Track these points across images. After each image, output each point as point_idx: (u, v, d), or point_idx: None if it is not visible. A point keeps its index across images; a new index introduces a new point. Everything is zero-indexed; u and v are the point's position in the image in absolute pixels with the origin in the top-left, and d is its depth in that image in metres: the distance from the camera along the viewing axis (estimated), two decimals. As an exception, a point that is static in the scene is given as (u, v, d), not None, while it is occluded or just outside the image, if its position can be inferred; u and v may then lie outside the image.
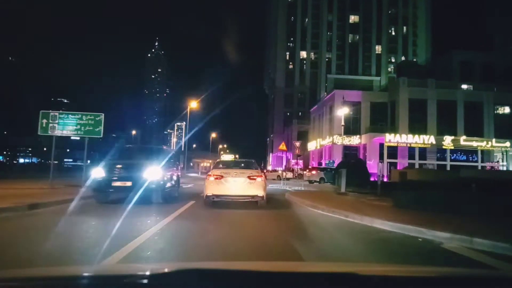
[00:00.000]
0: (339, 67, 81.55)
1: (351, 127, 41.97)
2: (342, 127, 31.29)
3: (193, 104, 36.89)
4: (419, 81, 39.29)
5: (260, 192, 9.23)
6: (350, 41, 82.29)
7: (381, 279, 1.56)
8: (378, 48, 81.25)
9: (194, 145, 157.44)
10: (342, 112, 31.04)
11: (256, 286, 1.40)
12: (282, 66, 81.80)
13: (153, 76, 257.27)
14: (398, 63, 61.69)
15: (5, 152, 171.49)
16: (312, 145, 50.97)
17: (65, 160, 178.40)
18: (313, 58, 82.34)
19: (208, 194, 9.25)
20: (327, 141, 43.51)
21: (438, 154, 38.16)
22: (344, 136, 41.18)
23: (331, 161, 33.66)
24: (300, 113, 77.94)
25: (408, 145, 36.14)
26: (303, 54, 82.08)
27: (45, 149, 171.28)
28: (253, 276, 1.50)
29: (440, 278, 1.67)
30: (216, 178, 9.27)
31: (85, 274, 1.58)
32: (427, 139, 35.83)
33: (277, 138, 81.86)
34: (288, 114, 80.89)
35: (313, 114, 52.50)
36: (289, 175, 38.44)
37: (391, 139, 35.77)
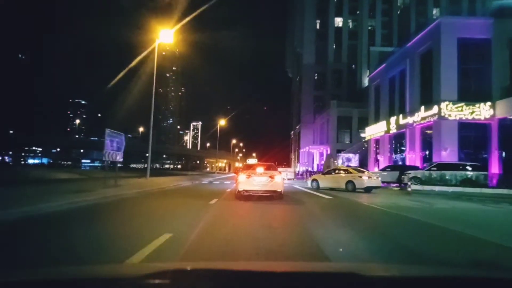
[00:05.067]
0: (385, 38, 60.73)
1: (472, 87, 21.33)
2: None
3: (166, 37, 17.17)
4: None
5: (279, 188, 10.69)
6: (399, 4, 61.43)
7: (381, 279, 1.51)
8: (436, 12, 59.78)
9: (208, 144, 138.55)
10: None
11: (256, 286, 1.35)
12: (311, 37, 61.30)
13: (167, 75, 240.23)
14: (494, 4, 39.79)
15: (10, 152, 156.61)
16: (374, 130, 30.42)
17: (82, 161, 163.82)
18: (351, 27, 61.68)
19: (239, 189, 10.72)
20: (418, 118, 22.90)
21: None
22: (463, 104, 20.61)
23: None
24: (335, 97, 56.60)
25: None
26: (339, 21, 61.49)
27: (58, 149, 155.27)
28: (253, 276, 1.45)
29: (440, 278, 1.59)
30: (246, 178, 10.76)
31: (85, 275, 1.57)
32: None
33: (306, 129, 61.46)
34: (317, 105, 60.13)
35: (376, 82, 31.75)
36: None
37: None
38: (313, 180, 17.15)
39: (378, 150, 30.29)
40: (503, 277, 1.68)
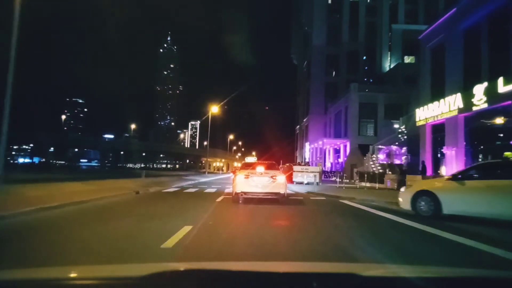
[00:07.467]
0: (409, 14, 50.62)
1: None
2: None
3: None
4: None
5: (282, 190, 9.54)
6: (425, -25, 51.26)
7: (381, 279, 1.48)
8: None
9: (205, 143, 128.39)
10: None
11: (256, 286, 1.31)
12: (322, 14, 51.04)
13: (165, 73, 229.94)
14: None
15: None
16: (433, 112, 20.07)
17: (80, 160, 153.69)
18: (369, 1, 51.44)
19: (237, 191, 9.59)
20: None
21: None
22: None
23: None
24: (350, 83, 45.72)
25: None
26: (355, -6, 51.25)
27: (52, 148, 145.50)
28: (252, 277, 1.42)
29: (440, 278, 1.56)
30: (244, 178, 9.66)
31: (85, 275, 1.52)
32: None
33: (316, 122, 50.99)
34: (327, 99, 49.56)
35: (435, 40, 21.22)
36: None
37: None
38: (420, 192, 6.64)
39: (442, 140, 19.88)
40: (503, 277, 1.62)
